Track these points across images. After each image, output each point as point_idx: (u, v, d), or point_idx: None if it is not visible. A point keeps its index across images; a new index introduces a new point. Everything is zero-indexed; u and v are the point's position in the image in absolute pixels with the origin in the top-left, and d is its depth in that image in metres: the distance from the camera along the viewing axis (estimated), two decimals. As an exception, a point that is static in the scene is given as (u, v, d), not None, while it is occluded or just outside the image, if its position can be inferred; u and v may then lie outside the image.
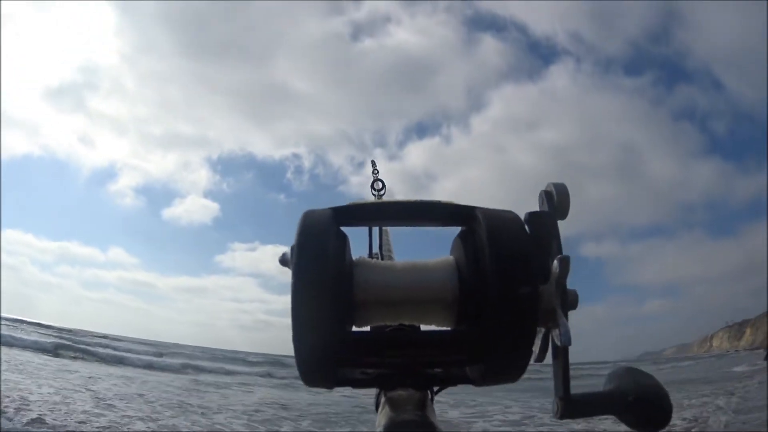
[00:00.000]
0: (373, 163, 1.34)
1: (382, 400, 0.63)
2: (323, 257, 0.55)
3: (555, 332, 0.58)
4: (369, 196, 1.23)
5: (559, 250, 0.59)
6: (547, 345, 0.60)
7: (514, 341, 0.55)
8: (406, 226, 0.68)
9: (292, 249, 0.56)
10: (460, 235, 0.62)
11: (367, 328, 0.64)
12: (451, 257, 0.62)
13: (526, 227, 0.59)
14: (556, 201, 0.62)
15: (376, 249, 1.06)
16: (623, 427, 0.62)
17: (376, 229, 1.07)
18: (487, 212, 0.59)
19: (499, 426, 9.36)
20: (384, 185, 1.25)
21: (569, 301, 0.58)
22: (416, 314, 0.61)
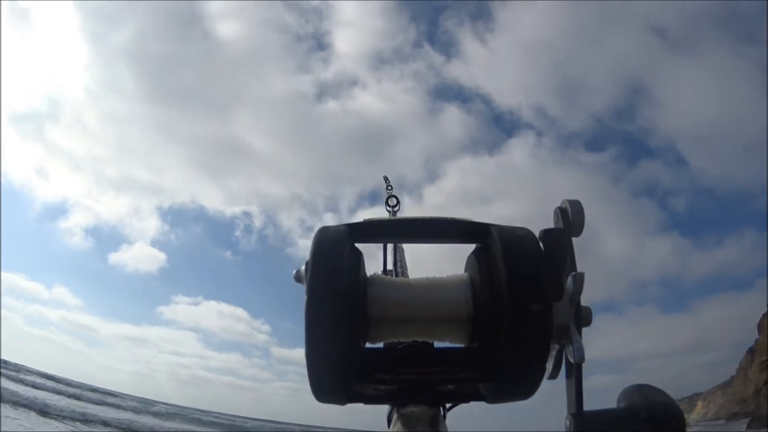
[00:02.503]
0: (386, 179, 1.34)
1: (395, 416, 0.62)
2: (337, 273, 0.56)
3: (569, 349, 0.58)
4: (384, 214, 1.23)
5: (573, 266, 0.60)
6: (561, 362, 0.60)
7: (528, 358, 0.55)
8: (421, 243, 0.68)
9: (307, 264, 0.57)
10: (475, 252, 0.63)
11: (381, 345, 0.64)
12: (465, 274, 0.63)
13: (541, 244, 0.60)
14: (571, 218, 0.62)
15: (390, 266, 1.06)
16: None
17: (390, 246, 1.07)
18: (501, 229, 0.60)
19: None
20: (398, 201, 1.25)
21: (583, 318, 0.58)
22: (430, 331, 0.62)
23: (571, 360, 0.58)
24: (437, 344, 0.65)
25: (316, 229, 0.60)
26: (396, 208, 1.26)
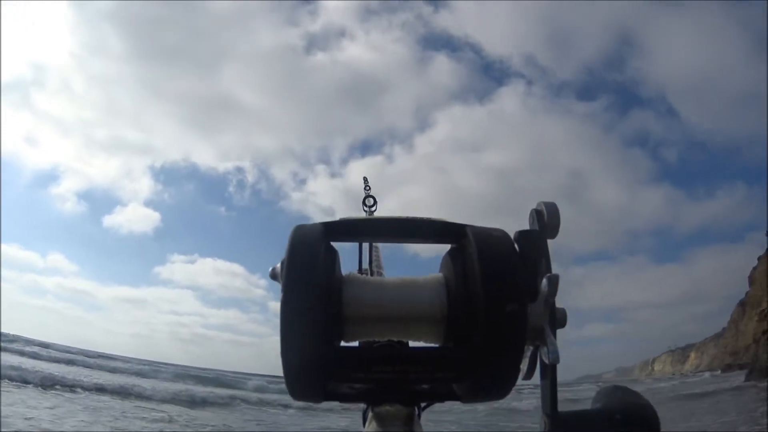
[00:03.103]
0: (365, 180, 1.34)
1: (370, 415, 0.63)
2: (312, 272, 0.55)
3: (543, 350, 0.59)
4: (360, 213, 1.23)
5: (548, 268, 0.60)
6: (536, 363, 0.61)
7: (502, 359, 0.55)
8: (397, 242, 0.68)
9: (282, 263, 0.56)
10: (450, 253, 0.63)
11: (356, 344, 0.64)
12: (440, 274, 0.63)
13: (516, 246, 0.60)
14: (546, 220, 0.62)
15: (366, 265, 1.07)
16: None
17: (366, 245, 1.07)
18: (476, 230, 0.60)
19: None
20: (375, 201, 1.25)
21: (558, 319, 0.59)
22: (405, 330, 0.62)
23: (546, 361, 0.59)
24: (412, 344, 0.65)
25: (292, 227, 0.59)
26: (373, 209, 1.26)
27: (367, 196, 1.27)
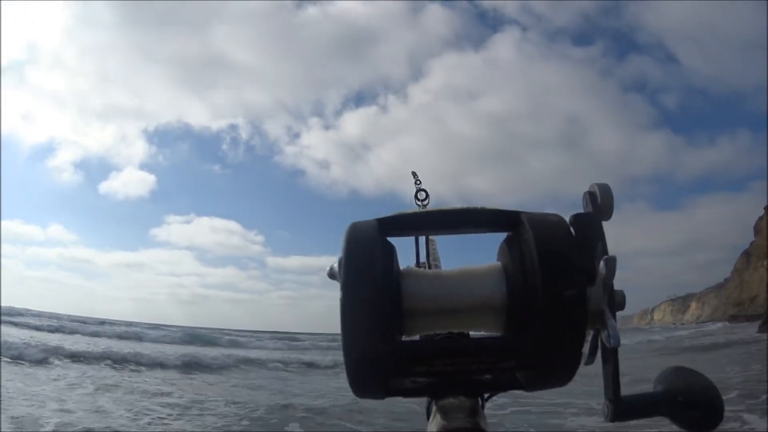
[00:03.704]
0: (415, 175, 1.33)
1: (434, 408, 0.63)
2: (371, 269, 0.55)
3: (604, 334, 0.58)
4: (413, 207, 1.22)
5: (605, 250, 0.59)
6: (597, 347, 0.60)
7: (564, 345, 0.56)
8: (452, 234, 0.67)
9: (340, 262, 0.56)
10: (506, 241, 0.62)
11: (417, 337, 0.64)
12: (498, 263, 0.63)
13: (572, 229, 0.59)
14: (600, 201, 0.61)
15: (423, 258, 1.06)
16: (675, 427, 0.63)
17: (422, 239, 1.07)
18: (532, 217, 0.59)
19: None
20: (428, 195, 1.24)
21: (617, 302, 0.58)
22: (465, 322, 0.62)
23: (607, 345, 0.58)
24: (473, 334, 0.66)
25: (347, 226, 0.59)
26: (425, 202, 1.25)
27: (419, 189, 1.26)
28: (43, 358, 12.93)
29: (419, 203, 1.24)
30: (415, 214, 0.67)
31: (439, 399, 0.63)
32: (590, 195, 0.63)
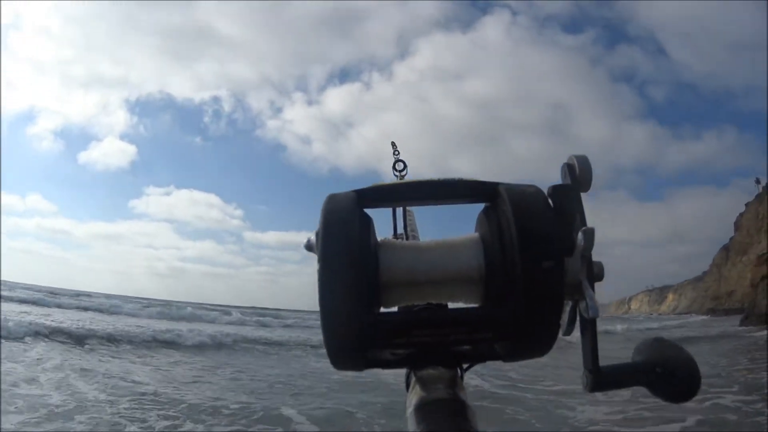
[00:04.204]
0: (394, 145, 1.32)
1: (413, 379, 0.63)
2: (348, 241, 0.55)
3: (582, 305, 0.58)
4: (391, 177, 1.21)
5: (583, 222, 0.59)
6: (575, 318, 0.60)
7: (542, 316, 0.56)
8: (430, 205, 0.67)
9: (317, 234, 0.56)
10: (484, 212, 0.62)
11: (395, 309, 0.64)
12: (476, 234, 0.63)
13: (550, 201, 0.60)
14: (578, 173, 0.61)
15: (401, 230, 1.06)
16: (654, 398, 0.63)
17: (400, 210, 1.06)
18: (510, 188, 0.59)
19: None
20: (405, 166, 1.24)
21: (595, 273, 0.58)
22: (443, 293, 0.62)
23: (585, 315, 0.59)
24: (451, 305, 0.65)
25: (325, 197, 0.59)
26: (403, 173, 1.24)
27: (397, 160, 1.25)
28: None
29: (397, 174, 1.24)
30: (393, 185, 0.66)
31: (418, 370, 0.63)
32: (568, 167, 0.62)
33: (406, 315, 0.65)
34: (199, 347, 14.49)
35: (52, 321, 15.70)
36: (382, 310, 0.61)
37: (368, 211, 0.62)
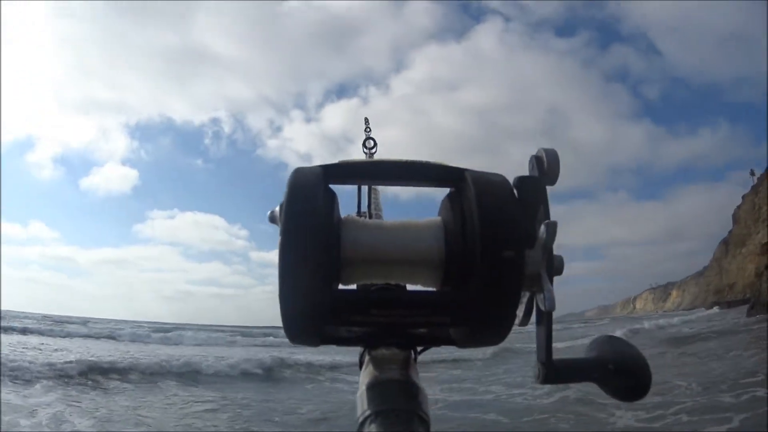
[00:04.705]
0: (366, 121, 1.31)
1: (367, 358, 0.63)
2: (311, 215, 0.55)
3: (539, 297, 0.58)
4: (360, 155, 1.21)
5: (547, 215, 0.59)
6: (532, 309, 0.61)
7: (498, 304, 0.56)
8: (396, 185, 0.67)
9: (281, 206, 0.56)
10: (449, 197, 0.62)
11: (354, 287, 0.64)
12: (438, 218, 0.63)
13: (515, 191, 0.59)
14: (546, 166, 0.61)
15: (365, 208, 1.06)
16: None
17: (365, 188, 1.07)
18: (476, 175, 0.59)
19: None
20: (375, 143, 1.23)
21: (555, 267, 0.58)
22: (402, 274, 0.62)
23: (542, 308, 0.58)
24: (410, 287, 0.65)
25: (291, 170, 0.59)
26: (373, 150, 1.23)
27: (368, 138, 1.24)
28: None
29: (366, 151, 1.23)
30: (359, 163, 0.66)
31: (373, 349, 0.63)
32: (537, 159, 0.62)
33: (365, 293, 0.65)
34: (243, 376, 12.79)
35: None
36: (341, 287, 0.61)
37: (334, 188, 0.61)
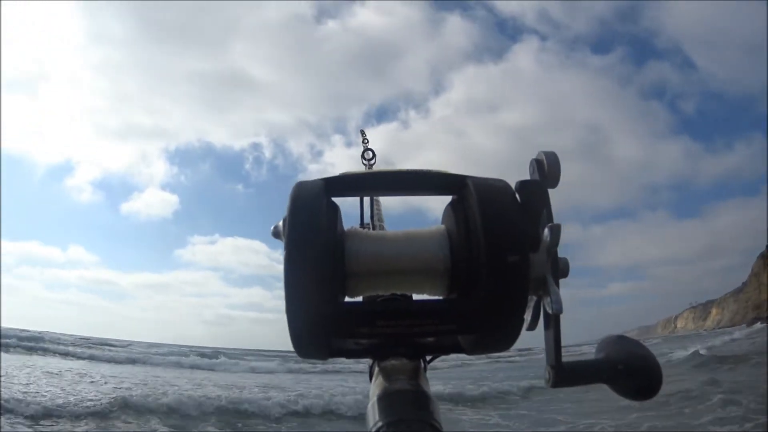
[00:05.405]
0: (363, 133, 1.33)
1: (376, 370, 0.63)
2: (315, 229, 0.55)
3: (546, 300, 0.58)
4: (360, 167, 1.22)
5: (550, 218, 0.59)
6: (539, 313, 0.60)
7: (506, 310, 0.56)
8: (398, 195, 0.68)
9: (284, 221, 0.57)
10: (452, 204, 0.62)
11: (360, 299, 0.64)
12: (442, 226, 0.63)
13: (517, 196, 0.59)
14: (547, 169, 0.61)
15: (367, 219, 1.07)
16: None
17: (367, 200, 1.07)
18: (477, 181, 0.59)
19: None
20: (374, 155, 1.24)
21: (560, 269, 0.58)
22: (408, 284, 0.62)
23: (549, 311, 0.58)
24: (416, 297, 0.65)
25: (293, 184, 0.59)
26: (372, 161, 1.24)
27: (366, 149, 1.26)
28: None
29: (366, 163, 1.24)
30: (360, 175, 0.67)
31: (382, 360, 0.63)
32: (537, 162, 0.62)
33: (371, 305, 0.65)
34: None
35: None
36: (347, 299, 0.61)
37: (336, 200, 0.62)
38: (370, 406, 0.58)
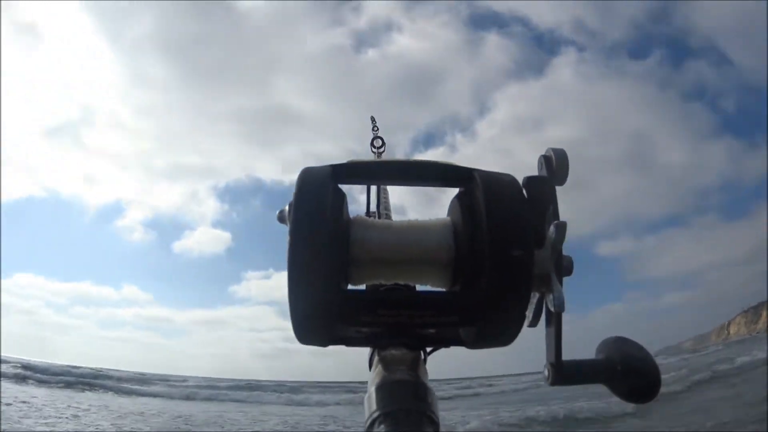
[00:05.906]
0: (373, 120, 1.32)
1: (376, 359, 0.63)
2: (320, 214, 0.55)
3: (549, 298, 0.58)
4: (369, 155, 1.22)
5: (556, 215, 0.59)
6: (541, 310, 0.60)
7: (508, 305, 0.55)
8: (405, 185, 0.67)
9: (290, 206, 0.57)
10: (458, 197, 0.62)
11: (363, 287, 0.64)
12: (448, 218, 0.63)
13: (524, 191, 0.59)
14: (555, 166, 0.61)
15: (374, 207, 1.07)
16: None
17: (374, 188, 1.07)
18: (485, 174, 0.59)
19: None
20: (384, 143, 1.23)
21: (564, 267, 0.58)
22: (411, 274, 0.62)
23: (551, 309, 0.58)
24: (419, 287, 0.65)
25: (300, 170, 0.59)
26: (381, 150, 1.23)
27: (376, 137, 1.25)
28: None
29: (375, 151, 1.23)
30: (368, 163, 0.67)
31: (382, 350, 0.63)
32: (545, 159, 0.62)
33: (374, 293, 0.65)
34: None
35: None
36: (350, 287, 0.61)
37: (343, 187, 0.62)
38: (368, 395, 0.58)
